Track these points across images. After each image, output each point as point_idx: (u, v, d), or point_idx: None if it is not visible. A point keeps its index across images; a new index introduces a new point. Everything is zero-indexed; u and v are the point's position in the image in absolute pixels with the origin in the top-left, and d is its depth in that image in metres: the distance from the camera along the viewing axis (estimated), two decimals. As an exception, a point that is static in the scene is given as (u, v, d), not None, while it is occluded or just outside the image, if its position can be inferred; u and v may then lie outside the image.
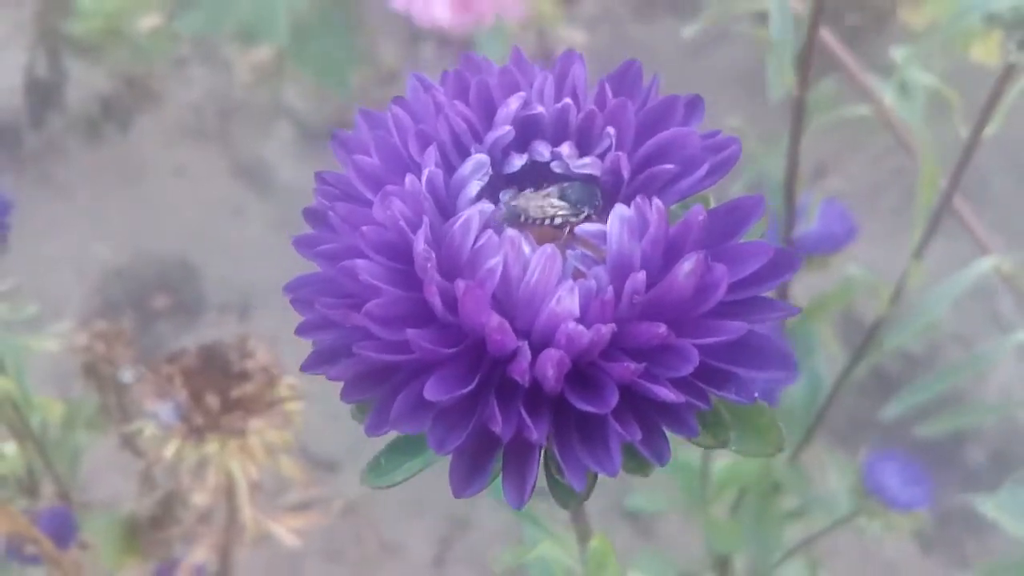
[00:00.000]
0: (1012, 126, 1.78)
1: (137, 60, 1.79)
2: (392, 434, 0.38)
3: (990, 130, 0.78)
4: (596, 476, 0.33)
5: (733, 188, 1.00)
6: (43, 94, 1.80)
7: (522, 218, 0.35)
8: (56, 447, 1.04)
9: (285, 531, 1.07)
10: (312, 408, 0.87)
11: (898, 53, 0.86)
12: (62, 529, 0.95)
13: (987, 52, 1.19)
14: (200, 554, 1.01)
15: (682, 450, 1.17)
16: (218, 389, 0.83)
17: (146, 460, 0.97)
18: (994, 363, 1.07)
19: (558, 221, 0.35)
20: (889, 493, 0.96)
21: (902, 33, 1.68)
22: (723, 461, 1.11)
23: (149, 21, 1.75)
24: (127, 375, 1.07)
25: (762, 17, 0.86)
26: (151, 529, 1.06)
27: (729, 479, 1.10)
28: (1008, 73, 0.75)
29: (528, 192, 0.36)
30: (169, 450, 0.83)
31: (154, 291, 1.72)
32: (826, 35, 0.95)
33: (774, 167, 0.92)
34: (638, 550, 1.50)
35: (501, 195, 0.36)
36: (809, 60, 0.77)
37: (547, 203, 0.35)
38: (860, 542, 1.42)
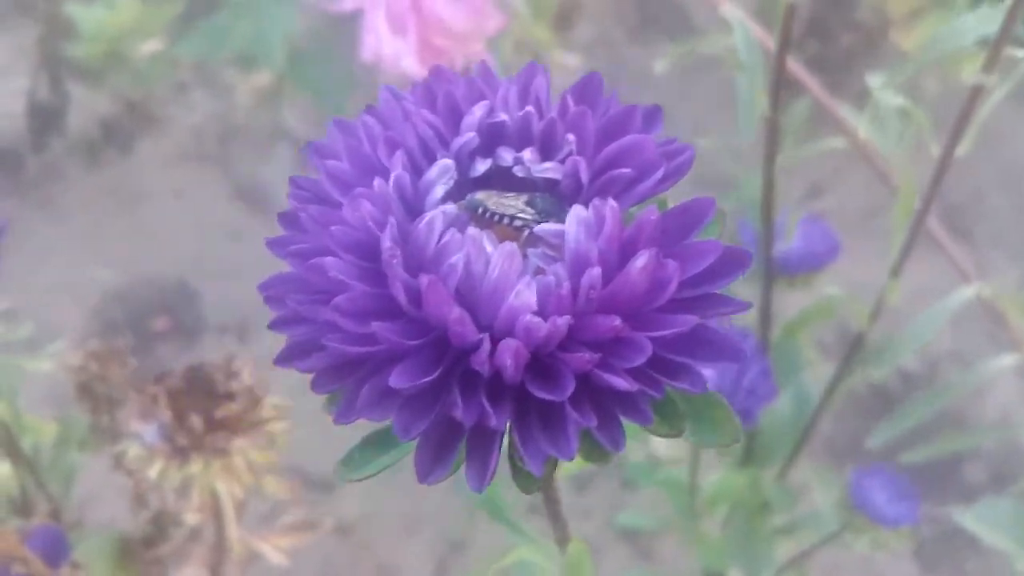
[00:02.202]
0: (1007, 145, 1.79)
1: (138, 84, 1.82)
2: (366, 431, 0.40)
3: (961, 150, 0.79)
4: (556, 463, 0.35)
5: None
6: (45, 118, 1.82)
7: (479, 210, 0.37)
8: (49, 468, 1.05)
9: (273, 550, 1.07)
10: (307, 428, 0.88)
11: (874, 80, 0.87)
12: (53, 549, 0.95)
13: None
14: (190, 572, 1.02)
15: (671, 466, 1.18)
16: (202, 409, 0.83)
17: (133, 480, 0.98)
18: (985, 382, 1.07)
19: (518, 223, 0.36)
20: (875, 509, 0.96)
21: (894, 55, 1.70)
22: (712, 477, 1.12)
23: (150, 46, 1.77)
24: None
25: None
26: (144, 549, 1.07)
27: (719, 495, 1.10)
28: (975, 94, 0.76)
29: (494, 191, 0.37)
30: (153, 470, 0.84)
31: (154, 313, 1.73)
32: (794, 66, 0.96)
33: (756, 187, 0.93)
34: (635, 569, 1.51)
35: (468, 198, 0.38)
36: (781, 82, 0.79)
37: (507, 202, 0.37)
38: (860, 560, 1.43)
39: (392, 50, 1.10)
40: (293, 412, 0.88)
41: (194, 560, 1.08)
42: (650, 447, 1.30)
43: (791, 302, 1.13)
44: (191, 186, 1.86)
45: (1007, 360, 0.97)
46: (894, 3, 1.65)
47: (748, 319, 1.06)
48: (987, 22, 0.76)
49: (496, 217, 0.37)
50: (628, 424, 0.33)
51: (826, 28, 0.95)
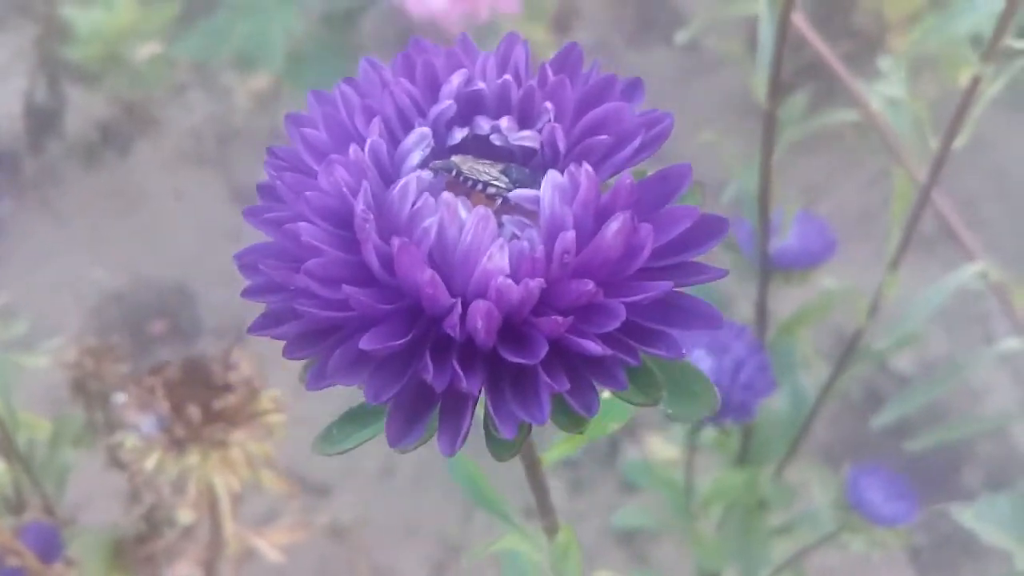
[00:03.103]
0: (999, 152, 1.79)
1: (136, 86, 1.82)
2: (345, 407, 0.40)
3: (959, 142, 0.79)
4: (529, 428, 0.35)
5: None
6: (42, 120, 1.82)
7: (453, 172, 0.37)
8: (43, 465, 1.04)
9: (269, 547, 1.07)
10: (305, 432, 0.87)
11: (884, 63, 0.88)
12: (47, 544, 0.95)
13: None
14: (183, 569, 1.01)
15: (667, 466, 1.18)
16: (200, 401, 0.83)
17: (129, 472, 0.97)
18: (977, 368, 1.07)
19: (491, 190, 0.36)
20: (872, 507, 0.95)
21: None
22: (709, 476, 1.11)
23: (148, 48, 1.77)
24: (120, 398, 1.07)
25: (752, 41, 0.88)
26: (137, 546, 1.07)
27: (715, 495, 1.10)
28: (974, 85, 0.76)
29: (469, 156, 0.37)
30: (150, 462, 0.83)
31: (151, 316, 1.73)
32: (821, 47, 0.97)
33: (754, 184, 0.93)
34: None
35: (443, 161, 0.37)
36: (779, 73, 0.78)
37: (481, 167, 0.36)
38: (855, 565, 1.42)
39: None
40: (291, 415, 0.88)
41: (188, 557, 1.07)
42: (646, 448, 1.29)
43: (787, 304, 1.12)
44: (189, 188, 1.86)
45: (1011, 343, 0.97)
46: (891, 8, 1.65)
47: (744, 316, 1.06)
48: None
49: (469, 182, 0.36)
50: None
51: (823, 34, 0.95)
